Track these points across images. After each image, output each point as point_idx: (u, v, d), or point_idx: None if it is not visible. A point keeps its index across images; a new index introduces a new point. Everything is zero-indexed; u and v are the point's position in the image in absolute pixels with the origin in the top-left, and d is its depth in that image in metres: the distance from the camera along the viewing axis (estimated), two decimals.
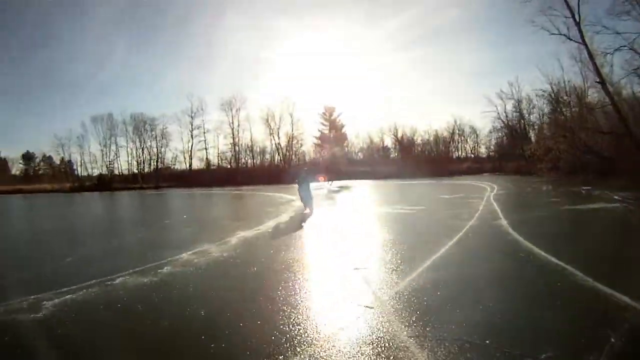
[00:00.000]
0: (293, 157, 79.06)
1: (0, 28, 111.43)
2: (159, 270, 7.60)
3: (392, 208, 17.41)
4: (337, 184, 47.48)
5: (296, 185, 19.74)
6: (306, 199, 18.77)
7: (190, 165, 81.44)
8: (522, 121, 67.71)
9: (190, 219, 18.11)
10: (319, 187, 39.54)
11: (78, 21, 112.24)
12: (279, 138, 79.38)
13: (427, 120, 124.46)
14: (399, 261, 7.52)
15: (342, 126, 77.63)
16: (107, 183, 72.68)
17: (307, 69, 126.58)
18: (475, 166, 70.12)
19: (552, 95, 49.82)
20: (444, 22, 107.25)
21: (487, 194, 22.04)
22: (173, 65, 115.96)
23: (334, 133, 75.87)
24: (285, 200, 25.05)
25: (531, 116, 66.75)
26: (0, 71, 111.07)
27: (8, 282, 7.36)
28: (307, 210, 17.95)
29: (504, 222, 11.92)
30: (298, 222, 14.47)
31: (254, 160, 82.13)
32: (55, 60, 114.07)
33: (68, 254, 9.69)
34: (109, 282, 6.84)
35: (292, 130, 79.14)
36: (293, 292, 5.95)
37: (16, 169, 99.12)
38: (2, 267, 9.07)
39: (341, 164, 71.72)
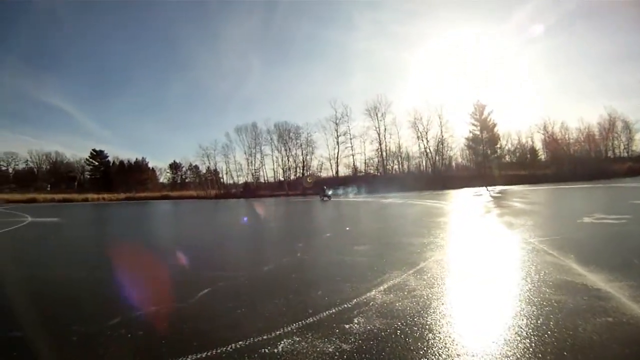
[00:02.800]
0: (440, 161, 74.68)
1: (149, 53, 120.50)
2: (347, 326, 4.46)
3: (592, 217, 13.33)
4: (494, 189, 42.98)
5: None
6: (328, 196, 43.88)
7: (336, 172, 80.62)
8: None
9: (354, 232, 14.39)
10: (478, 194, 35.72)
11: (217, 42, 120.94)
12: (427, 142, 75.22)
13: (575, 115, 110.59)
14: None
15: (494, 126, 70.00)
16: (253, 190, 73.73)
17: (444, 69, 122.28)
18: (637, 166, 59.75)
19: None
20: (579, 2, 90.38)
21: None
22: (310, 75, 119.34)
23: (485, 134, 69.36)
24: (450, 210, 21.63)
25: None
26: (150, 91, 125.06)
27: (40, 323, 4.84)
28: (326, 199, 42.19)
29: None
30: (497, 241, 10.69)
31: (401, 166, 79.03)
32: (199, 79, 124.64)
33: (203, 284, 6.72)
34: (266, 349, 3.96)
35: (441, 133, 74.68)
36: None
37: (164, 177, 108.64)
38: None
39: (495, 167, 66.52)
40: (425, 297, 5.46)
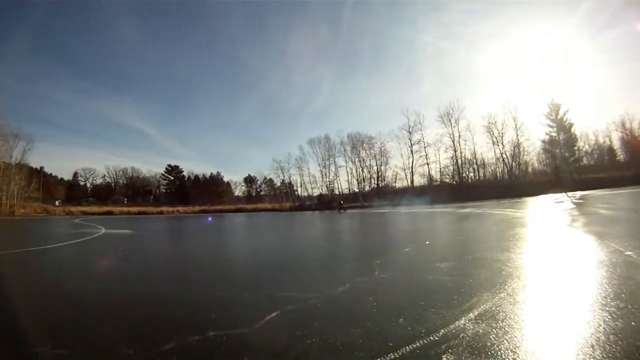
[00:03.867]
0: (516, 167, 71.46)
1: (221, 72, 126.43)
2: None
3: None
4: (574, 194, 40.70)
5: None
6: (344, 209, 53.23)
7: (411, 182, 79.18)
8: None
9: (435, 245, 13.23)
10: (559, 200, 33.83)
11: (285, 59, 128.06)
12: (503, 147, 72.10)
13: None
14: None
15: (571, 126, 66.40)
16: (327, 202, 73.69)
17: (515, 69, 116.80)
18: None
19: None
20: None
21: None
22: (380, 84, 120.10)
23: (562, 135, 65.67)
24: (532, 219, 20.49)
25: None
26: (223, 108, 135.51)
27: None
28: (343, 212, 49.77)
29: None
30: (590, 255, 9.33)
31: (477, 174, 76.09)
32: (271, 94, 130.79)
33: (271, 307, 6.03)
34: None
35: (517, 137, 71.12)
36: None
37: (239, 190, 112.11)
38: None
39: (574, 171, 63.33)
40: (523, 326, 4.63)
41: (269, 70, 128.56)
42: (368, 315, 5.53)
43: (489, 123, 72.69)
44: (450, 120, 75.34)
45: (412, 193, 67.93)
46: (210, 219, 49.45)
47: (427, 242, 14.25)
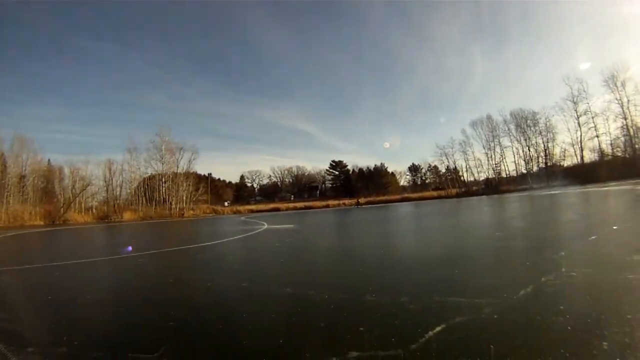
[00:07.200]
0: None
1: (373, 66, 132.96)
2: None
3: None
4: None
5: None
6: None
7: (581, 159, 70.29)
8: None
9: (625, 232, 10.97)
10: None
11: (433, 44, 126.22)
12: None
13: None
14: None
15: None
16: (494, 186, 70.27)
17: None
18: None
19: None
20: None
21: None
22: (533, 53, 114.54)
23: None
24: None
25: None
26: (380, 101, 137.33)
27: None
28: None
29: None
30: None
31: None
32: (425, 82, 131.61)
33: (435, 318, 4.82)
34: None
35: None
36: None
37: (404, 180, 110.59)
38: None
39: None
40: None
41: (419, 57, 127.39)
42: (560, 332, 4.15)
43: None
44: (616, 84, 64.25)
45: (583, 170, 60.25)
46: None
47: (615, 227, 11.78)
